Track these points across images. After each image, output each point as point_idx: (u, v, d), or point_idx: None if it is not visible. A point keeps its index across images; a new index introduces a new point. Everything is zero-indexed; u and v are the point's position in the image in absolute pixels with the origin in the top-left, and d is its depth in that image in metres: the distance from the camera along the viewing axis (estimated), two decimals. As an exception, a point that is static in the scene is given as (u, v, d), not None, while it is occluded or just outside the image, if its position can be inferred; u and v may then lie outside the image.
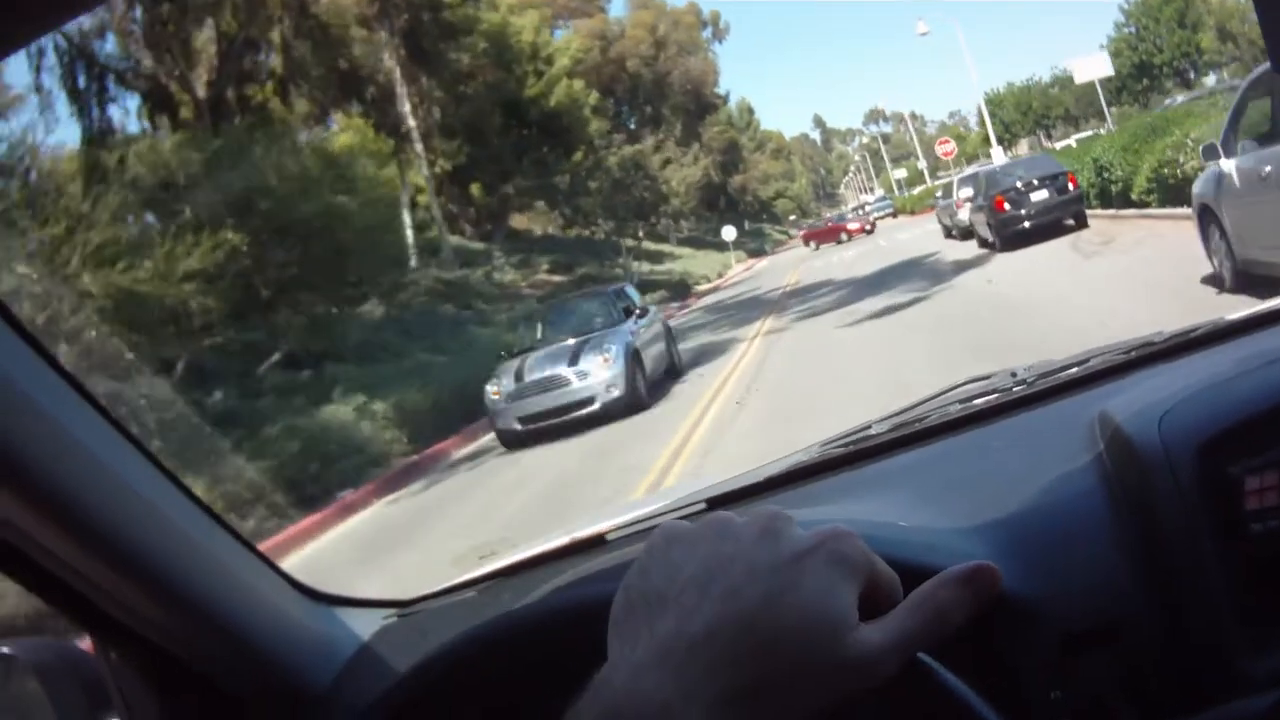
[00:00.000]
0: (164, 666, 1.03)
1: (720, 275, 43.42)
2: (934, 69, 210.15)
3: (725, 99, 67.04)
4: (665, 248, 55.13)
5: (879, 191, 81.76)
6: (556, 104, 38.31)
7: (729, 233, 48.52)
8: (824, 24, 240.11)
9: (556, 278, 37.15)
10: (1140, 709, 0.91)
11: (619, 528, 1.44)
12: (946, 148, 37.38)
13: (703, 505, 1.41)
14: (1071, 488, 1.05)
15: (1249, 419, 0.95)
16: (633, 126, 57.52)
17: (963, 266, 16.58)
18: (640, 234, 58.73)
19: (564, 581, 1.10)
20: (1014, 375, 1.52)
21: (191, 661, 1.04)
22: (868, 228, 45.91)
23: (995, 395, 1.46)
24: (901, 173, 57.98)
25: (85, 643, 1.09)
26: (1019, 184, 16.52)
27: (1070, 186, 16.35)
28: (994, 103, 68.69)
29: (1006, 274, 14.02)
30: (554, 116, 38.20)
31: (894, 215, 58.91)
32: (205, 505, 1.08)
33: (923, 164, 52.57)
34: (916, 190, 62.13)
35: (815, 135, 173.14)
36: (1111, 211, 16.53)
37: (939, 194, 24.36)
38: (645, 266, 41.02)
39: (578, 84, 40.31)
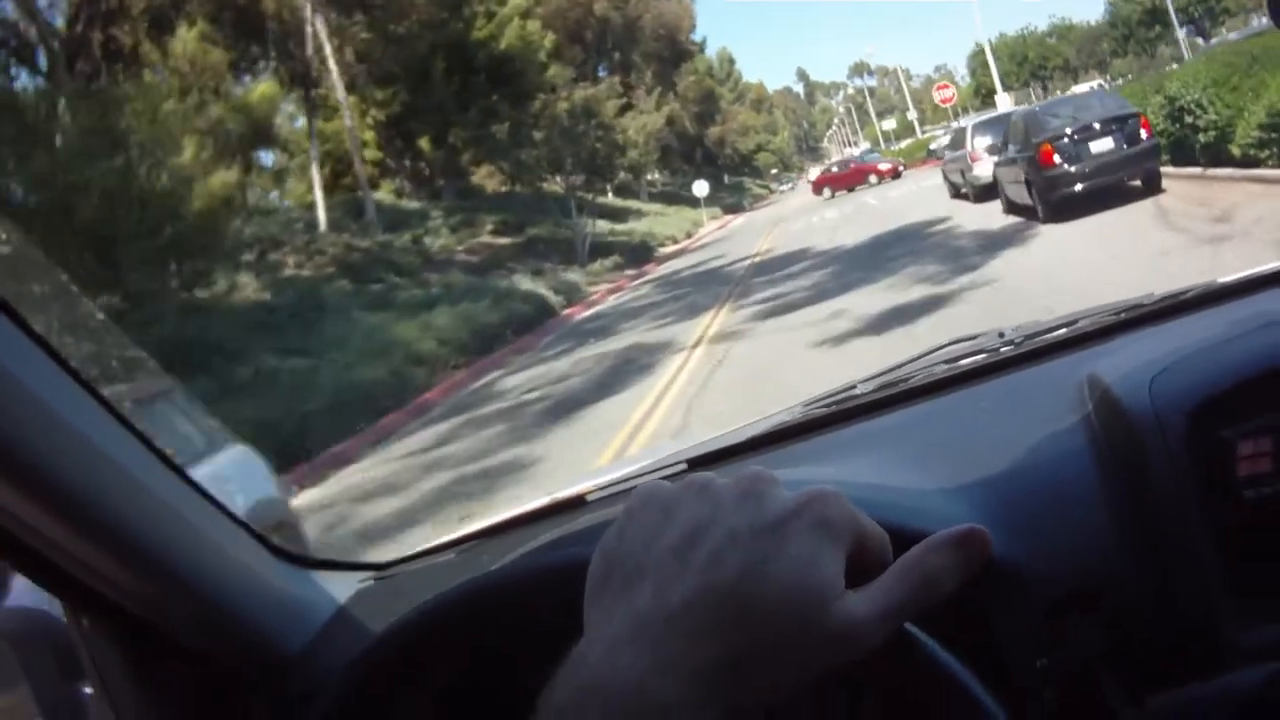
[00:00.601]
0: (136, 632, 1.02)
1: (689, 235, 39.43)
2: (921, 21, 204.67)
3: (701, 46, 62.75)
4: (634, 204, 51.10)
5: (864, 144, 77.44)
6: (508, 47, 33.83)
7: (701, 188, 44.51)
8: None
9: (502, 240, 33.17)
10: (1127, 678, 0.89)
11: (599, 488, 1.40)
12: (945, 93, 33.21)
13: (684, 466, 1.38)
14: (1059, 450, 1.04)
15: (1241, 383, 0.94)
16: (602, 74, 53.38)
17: (993, 243, 12.51)
18: (607, 189, 54.95)
19: (541, 543, 1.10)
20: (1001, 335, 1.49)
21: (164, 626, 1.03)
22: (898, 170, 41.15)
23: (982, 355, 1.43)
24: (890, 124, 53.57)
25: (58, 609, 1.07)
26: (1072, 130, 12.42)
27: (1143, 134, 12.25)
28: (980, 55, 64.58)
29: (1073, 262, 9.74)
30: (505, 61, 33.74)
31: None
32: (175, 465, 1.05)
33: (913, 115, 48.37)
34: (904, 143, 57.67)
35: (799, 89, 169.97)
36: (1194, 170, 12.54)
37: (944, 145, 20.36)
38: (606, 226, 37.05)
39: (533, 25, 35.75)
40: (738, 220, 49.74)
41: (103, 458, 0.93)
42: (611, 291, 24.03)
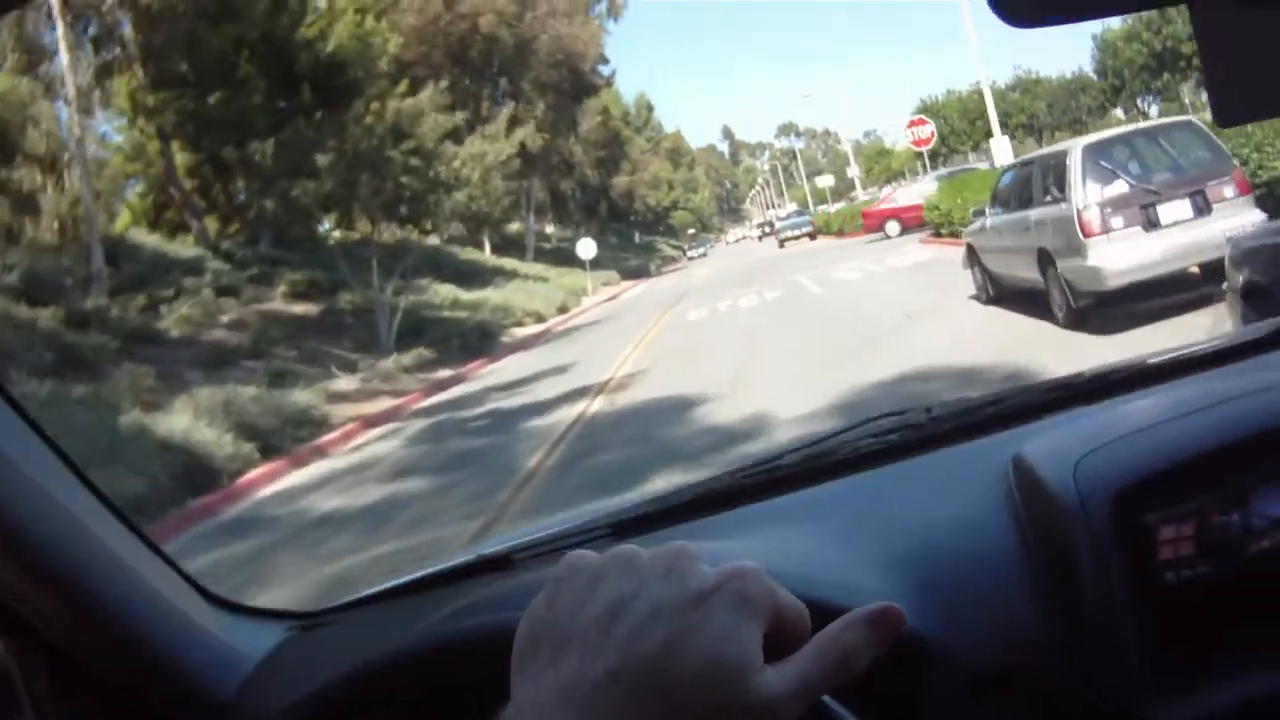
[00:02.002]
0: (70, 669, 1.04)
1: (562, 310, 29.86)
2: (855, 82, 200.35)
3: (610, 80, 53.68)
4: (511, 263, 41.55)
5: (791, 205, 68.83)
6: (337, 49, 23.70)
7: (587, 248, 35.41)
8: (742, 40, 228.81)
9: (297, 309, 23.41)
10: None
11: (524, 548, 1.41)
12: (922, 131, 23.80)
13: (608, 530, 1.39)
14: (983, 529, 1.05)
15: (1166, 469, 0.96)
16: (493, 103, 43.92)
17: None
18: (484, 242, 45.56)
19: (463, 605, 1.09)
20: (929, 411, 1.47)
21: (96, 665, 1.05)
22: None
23: (910, 430, 1.42)
24: (827, 180, 44.80)
25: None
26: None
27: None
28: (930, 111, 56.58)
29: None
30: (334, 68, 23.66)
31: (812, 237, 45.47)
32: (112, 503, 1.08)
33: (855, 171, 39.44)
34: (832, 207, 49.15)
35: (723, 147, 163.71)
36: None
37: (973, 211, 10.98)
38: (448, 293, 27.40)
39: (371, 21, 25.46)
40: (635, 289, 40.41)
41: (41, 493, 0.96)
42: (376, 421, 14.39)
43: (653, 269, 56.86)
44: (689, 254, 62.39)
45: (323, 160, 19.34)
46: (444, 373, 18.77)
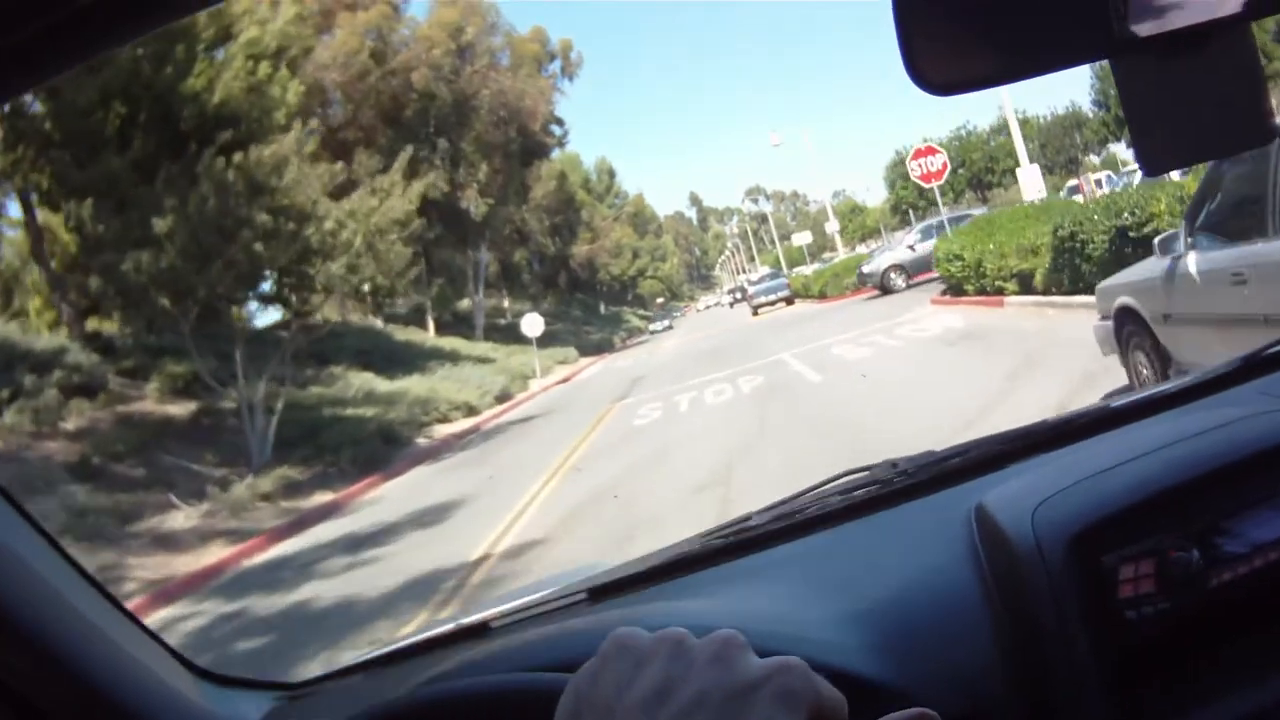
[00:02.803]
0: None
1: (502, 401, 25.19)
2: (822, 145, 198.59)
3: (563, 140, 49.60)
4: (453, 343, 37.01)
5: (763, 268, 64.50)
6: (224, 99, 19.12)
7: (533, 325, 30.96)
8: (700, 111, 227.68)
9: (169, 409, 18.93)
10: None
11: (502, 615, 1.43)
12: (934, 162, 19.05)
13: (584, 595, 1.41)
14: (947, 579, 1.08)
15: (1121, 510, 0.99)
16: (431, 167, 39.64)
17: None
18: (428, 321, 41.03)
19: (445, 669, 1.13)
20: (894, 466, 1.49)
21: None
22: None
23: (876, 486, 1.45)
24: (804, 238, 40.33)
25: None
26: None
27: None
28: (905, 164, 52.82)
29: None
30: (223, 121, 19.05)
31: (789, 302, 40.92)
32: (92, 577, 1.09)
33: (834, 227, 35.01)
34: (809, 267, 44.73)
35: (691, 214, 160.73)
36: None
37: (1161, 239, 5.91)
38: (369, 384, 22.84)
39: (266, 68, 20.83)
40: (593, 369, 35.83)
41: (27, 570, 0.97)
42: (179, 589, 9.73)
43: (617, 342, 52.30)
44: (651, 329, 55.21)
45: (161, 225, 14.81)
46: (319, 498, 14.08)
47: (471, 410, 23.20)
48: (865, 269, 28.39)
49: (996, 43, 0.68)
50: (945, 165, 18.75)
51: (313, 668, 3.89)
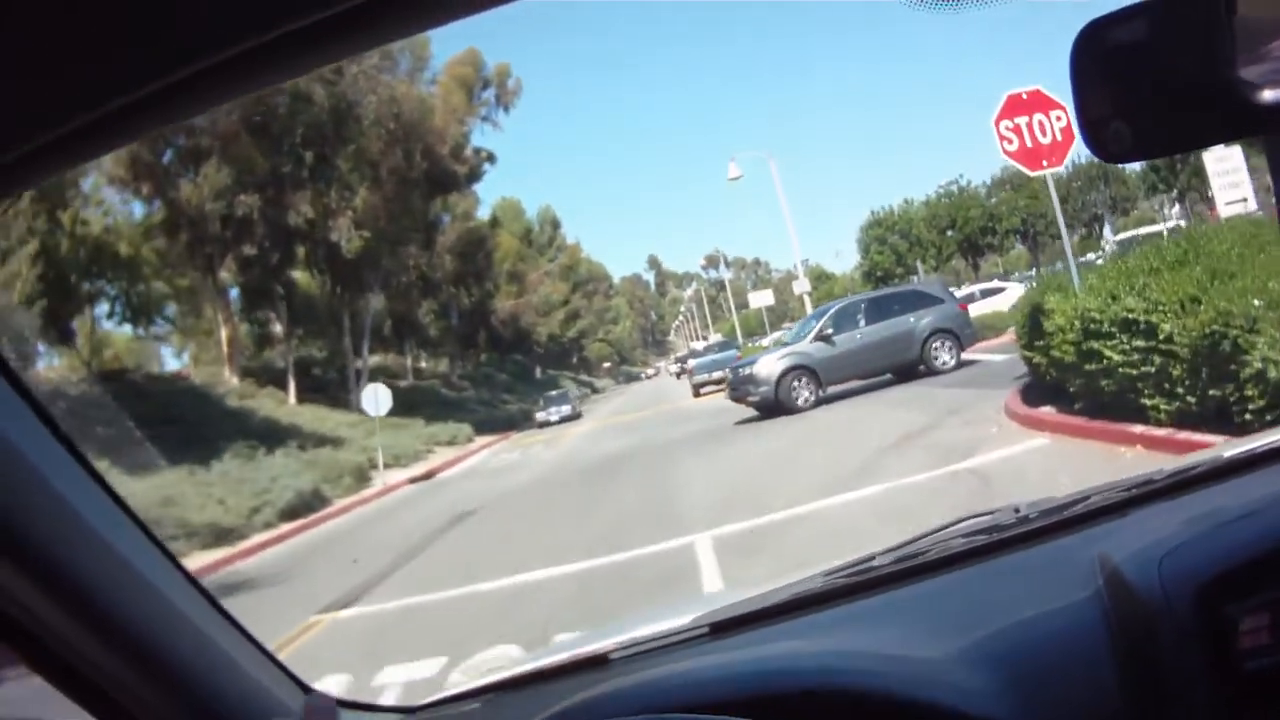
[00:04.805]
0: None
1: (288, 519, 16.35)
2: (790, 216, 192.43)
3: (473, 172, 40.99)
4: (306, 417, 28.22)
5: (715, 336, 55.92)
6: None
7: (376, 399, 22.22)
8: (661, 172, 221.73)
9: None
10: None
11: (620, 647, 1.43)
12: (1048, 127, 10.24)
13: (706, 629, 1.41)
14: (1070, 625, 1.09)
15: (1244, 562, 0.99)
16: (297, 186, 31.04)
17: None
18: (294, 383, 32.14)
19: (559, 710, 1.12)
20: (1016, 511, 1.50)
21: None
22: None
23: (997, 531, 1.45)
24: (765, 299, 32.50)
25: None
26: None
27: None
28: (885, 225, 44.89)
29: None
30: None
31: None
32: (215, 600, 1.06)
33: (804, 287, 27.08)
34: (769, 337, 36.50)
35: (650, 277, 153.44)
36: None
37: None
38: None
39: None
40: (475, 459, 27.01)
41: (138, 579, 0.95)
42: None
43: (539, 412, 42.97)
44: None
45: None
46: None
47: (219, 537, 14.42)
48: (746, 369, 18.06)
49: (1159, 117, 0.73)
50: (1070, 131, 9.81)
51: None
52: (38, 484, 0.85)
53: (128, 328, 28.70)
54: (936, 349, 17.56)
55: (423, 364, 51.93)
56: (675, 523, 8.39)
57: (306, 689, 1.21)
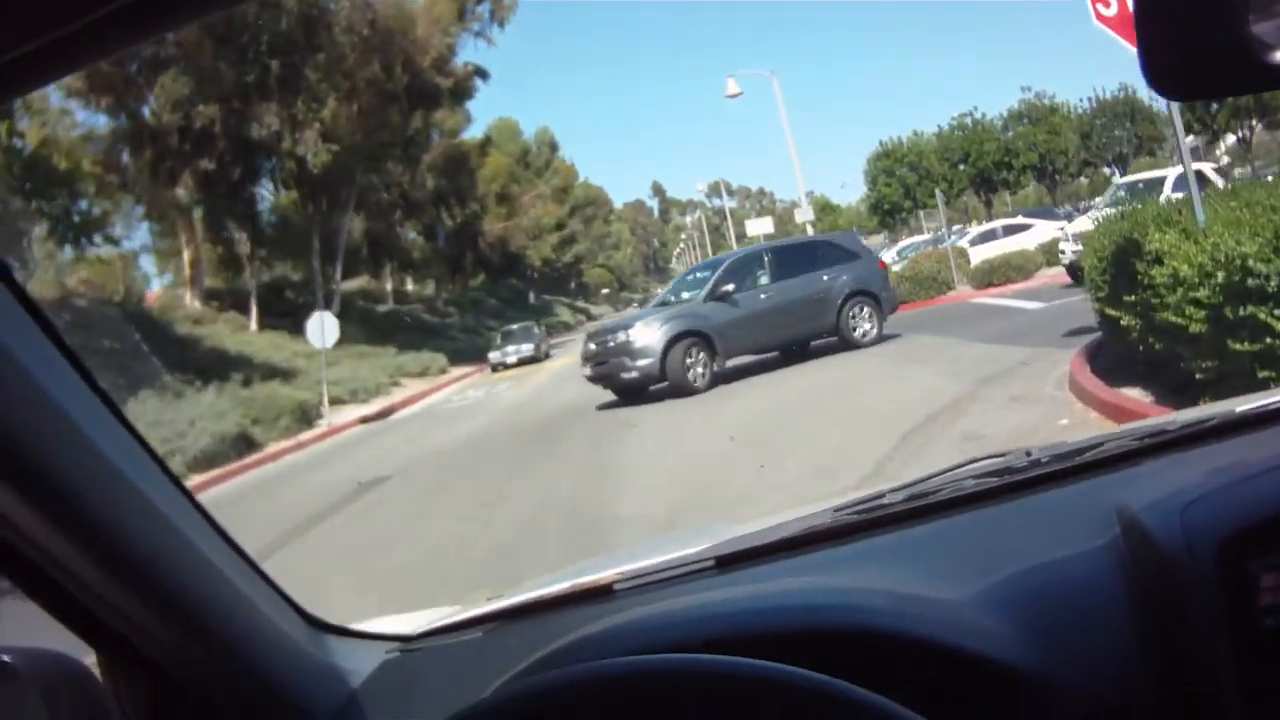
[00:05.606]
0: (166, 686, 1.03)
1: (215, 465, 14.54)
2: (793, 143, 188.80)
3: (466, 87, 38.69)
4: (219, 335, 26.41)
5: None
6: None
7: (321, 329, 20.37)
8: (665, 99, 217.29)
9: None
10: None
11: (625, 578, 1.40)
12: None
13: (711, 563, 1.39)
14: (1087, 571, 1.06)
15: (1268, 517, 0.97)
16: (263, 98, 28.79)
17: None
18: (256, 308, 30.26)
19: (560, 647, 1.09)
20: (1028, 455, 1.46)
21: (194, 683, 1.03)
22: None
23: (1009, 473, 1.42)
24: (764, 226, 30.66)
25: (89, 658, 1.03)
26: None
27: None
28: (894, 157, 42.55)
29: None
30: None
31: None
32: (215, 522, 1.07)
33: (807, 215, 24.97)
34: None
35: (654, 204, 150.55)
36: None
37: None
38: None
39: None
40: (441, 394, 25.20)
41: (144, 504, 0.94)
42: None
43: (501, 354, 40.67)
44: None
45: None
46: None
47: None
48: (616, 336, 13.96)
49: (1232, 53, 0.71)
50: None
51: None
52: (44, 405, 0.83)
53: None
54: (855, 315, 14.60)
55: (408, 288, 50.05)
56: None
57: (310, 619, 1.20)
